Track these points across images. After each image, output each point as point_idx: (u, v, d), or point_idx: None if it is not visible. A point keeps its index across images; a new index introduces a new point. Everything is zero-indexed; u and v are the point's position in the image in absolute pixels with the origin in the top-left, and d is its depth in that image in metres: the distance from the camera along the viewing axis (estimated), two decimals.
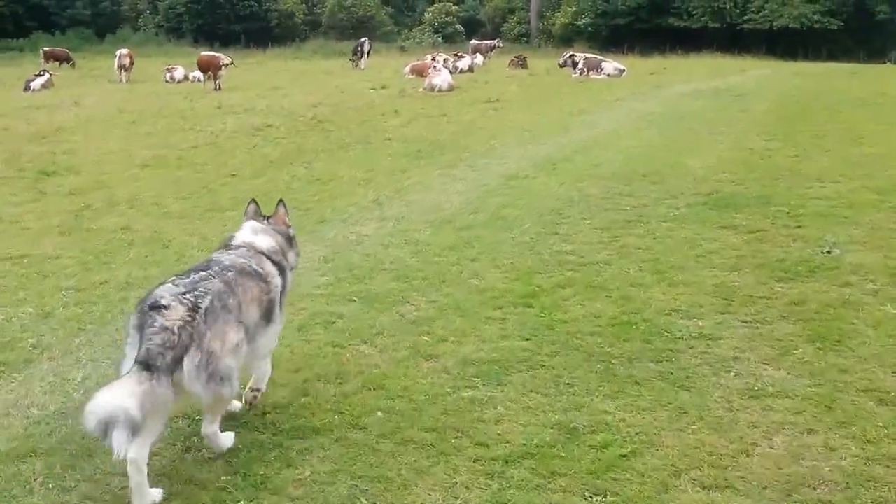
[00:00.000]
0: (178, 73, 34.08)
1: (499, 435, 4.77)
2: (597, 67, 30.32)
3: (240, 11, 56.10)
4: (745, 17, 47.56)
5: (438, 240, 8.93)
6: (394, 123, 18.61)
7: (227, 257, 4.46)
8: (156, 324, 3.82)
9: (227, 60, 30.38)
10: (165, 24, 59.49)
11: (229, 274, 4.26)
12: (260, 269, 4.50)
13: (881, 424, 4.75)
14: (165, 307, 3.89)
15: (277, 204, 5.12)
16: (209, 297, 3.99)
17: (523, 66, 35.79)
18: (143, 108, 21.80)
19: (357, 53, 37.71)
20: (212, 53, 30.95)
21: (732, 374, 5.54)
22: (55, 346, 6.27)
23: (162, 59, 40.51)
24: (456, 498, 4.22)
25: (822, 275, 7.27)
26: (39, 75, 31.45)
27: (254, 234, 4.75)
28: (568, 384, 5.47)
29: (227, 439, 4.45)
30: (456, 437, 4.76)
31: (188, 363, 3.81)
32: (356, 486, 4.32)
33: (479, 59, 38.82)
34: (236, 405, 4.79)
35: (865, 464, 4.39)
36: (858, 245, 8.09)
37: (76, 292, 7.44)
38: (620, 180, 11.55)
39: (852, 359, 5.66)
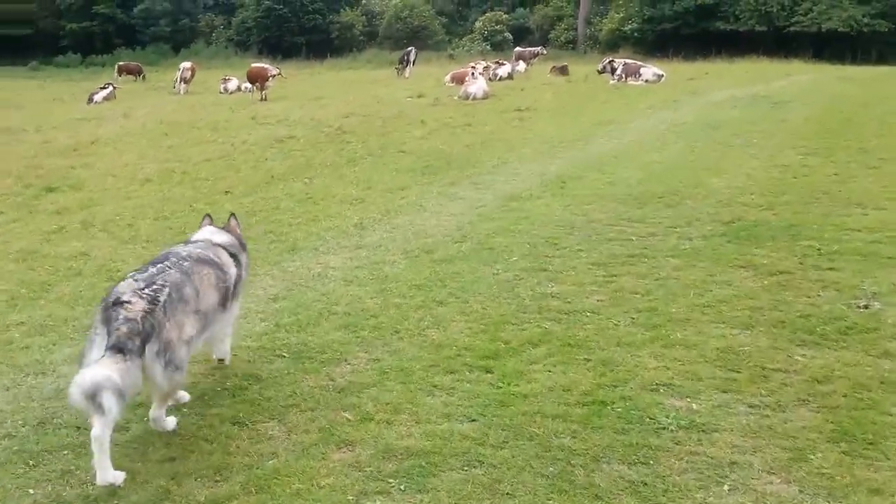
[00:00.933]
0: (232, 84, 33.16)
1: None
2: (635, 73, 28.33)
3: (304, 24, 55.20)
4: (793, 20, 44.77)
5: (410, 275, 7.35)
6: (415, 134, 17.09)
7: (184, 249, 4.60)
8: (120, 316, 3.92)
9: (274, 72, 29.33)
10: (235, 37, 58.87)
11: (186, 263, 4.39)
12: (217, 259, 4.67)
13: None
14: (127, 302, 3.98)
15: (229, 217, 5.37)
16: (167, 290, 4.11)
17: (564, 73, 33.87)
18: (183, 120, 21.09)
19: (403, 62, 36.24)
20: (260, 65, 29.80)
21: (726, 486, 3.99)
22: None
23: (228, 71, 39.65)
24: None
25: (855, 339, 5.49)
26: (103, 88, 31.30)
27: (211, 233, 4.99)
28: (508, 494, 3.95)
29: (171, 423, 4.49)
30: None
31: (149, 350, 3.94)
32: None
33: (521, 66, 37.00)
34: (184, 396, 4.78)
35: None
36: None
37: None
38: (632, 203, 9.82)
39: (888, 472, 3.90)
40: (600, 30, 51.44)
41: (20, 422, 4.81)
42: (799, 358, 5.22)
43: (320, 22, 55.20)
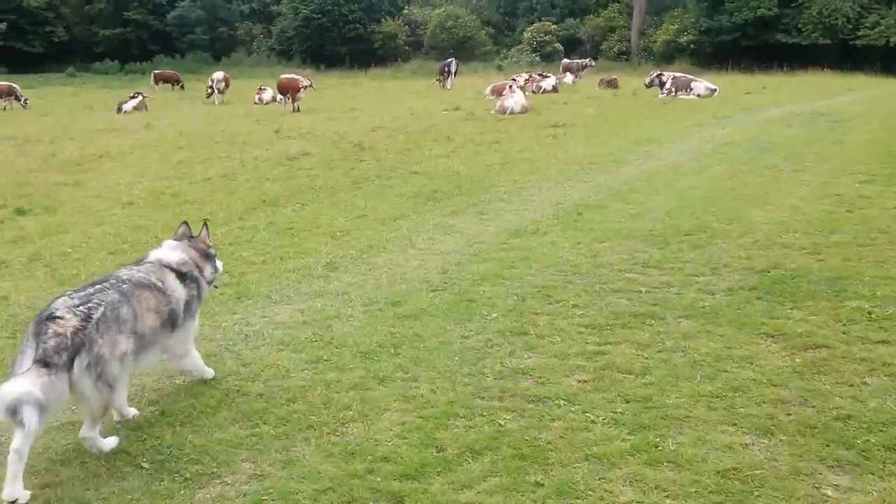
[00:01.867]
0: (267, 94, 32.42)
1: None
2: (686, 87, 26.70)
3: (346, 34, 54.51)
4: (859, 34, 42.43)
5: (361, 337, 6.05)
6: (436, 152, 15.86)
7: (127, 272, 4.61)
8: (49, 331, 3.96)
9: (305, 83, 28.38)
10: (277, 46, 58.45)
11: (125, 286, 4.41)
12: (159, 283, 4.66)
13: None
14: (59, 317, 4.03)
15: (202, 226, 5.32)
16: (102, 308, 4.14)
17: (613, 86, 32.34)
18: (205, 132, 20.43)
19: (444, 73, 35.08)
20: (291, 76, 28.86)
21: None
22: None
23: (271, 81, 38.98)
24: None
25: None
26: (133, 97, 30.69)
27: (165, 251, 4.95)
28: None
29: (109, 442, 4.36)
30: None
31: (77, 364, 3.96)
32: None
33: (568, 78, 35.58)
34: (132, 412, 4.74)
35: None
36: None
37: None
38: (653, 241, 8.41)
39: None
40: (654, 41, 49.61)
41: None
42: (829, 491, 3.74)
43: (362, 31, 54.38)
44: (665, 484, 3.88)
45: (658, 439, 4.28)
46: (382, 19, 55.40)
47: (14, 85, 34.65)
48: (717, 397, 4.75)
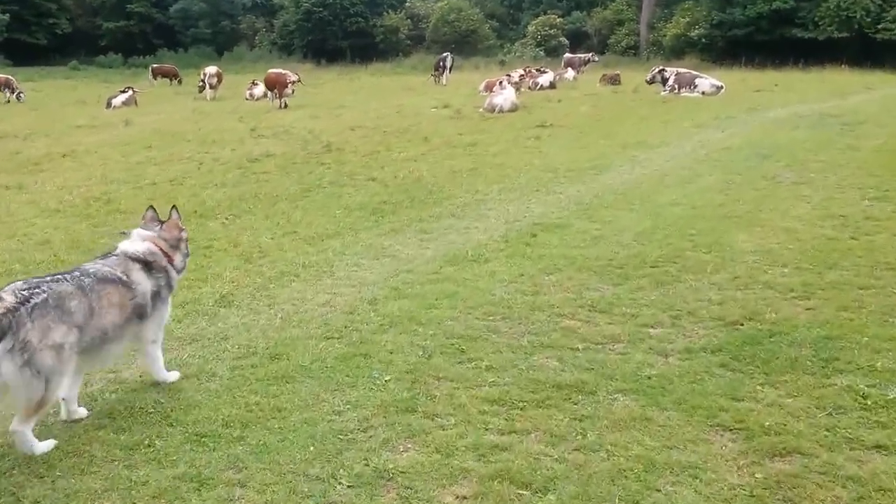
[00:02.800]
0: (258, 90, 31.16)
1: None
2: (690, 84, 25.12)
3: (347, 28, 52.96)
4: (879, 27, 40.38)
5: (208, 411, 4.75)
6: (406, 155, 14.57)
7: (92, 266, 4.54)
8: None
9: (293, 78, 26.93)
10: (279, 41, 57.04)
11: (87, 280, 4.33)
12: (124, 276, 4.56)
13: None
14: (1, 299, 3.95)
15: (171, 210, 5.14)
16: (44, 295, 4.04)
17: (615, 82, 30.75)
18: (180, 130, 19.48)
19: (439, 69, 33.56)
20: (278, 71, 27.53)
21: None
22: None
23: (259, 76, 37.59)
24: None
25: None
26: (123, 91, 29.58)
27: (133, 242, 4.82)
28: None
29: (42, 446, 4.19)
30: None
31: (1, 348, 3.82)
32: None
33: (570, 73, 34.03)
34: (82, 412, 4.59)
35: None
36: None
37: None
38: (611, 274, 7.01)
39: None
40: (664, 35, 47.79)
41: None
42: None
43: (364, 25, 52.83)
44: None
45: None
46: (384, 13, 53.83)
47: (10, 77, 33.54)
48: None
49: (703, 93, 24.62)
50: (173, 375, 5.09)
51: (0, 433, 4.37)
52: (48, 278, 4.26)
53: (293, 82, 27.36)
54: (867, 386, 4.56)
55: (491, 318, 6.08)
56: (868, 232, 8.19)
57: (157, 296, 4.78)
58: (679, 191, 10.70)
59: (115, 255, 4.72)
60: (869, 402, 4.37)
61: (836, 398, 4.46)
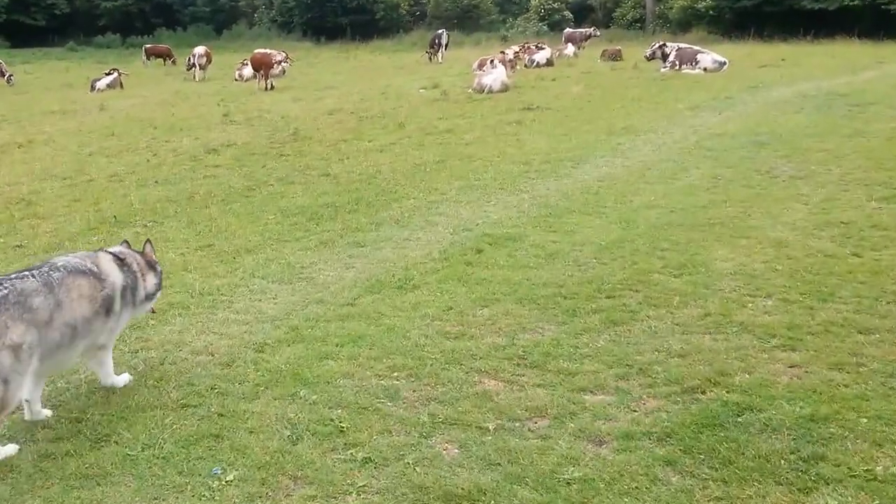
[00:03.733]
0: (247, 70, 29.76)
1: None
2: (691, 60, 23.57)
3: (347, 4, 51.23)
4: None
5: None
6: (374, 144, 13.40)
7: (63, 259, 4.38)
8: None
9: (279, 57, 25.50)
10: (278, 18, 55.41)
11: (56, 275, 4.17)
12: (94, 267, 4.40)
13: None
14: None
15: (145, 243, 5.01)
16: (5, 291, 3.90)
17: (615, 58, 29.17)
18: (152, 117, 18.49)
19: (434, 46, 32.03)
20: (264, 51, 26.16)
21: None
22: None
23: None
24: None
25: None
26: (108, 74, 28.37)
27: (118, 247, 4.76)
28: None
29: (5, 450, 4.01)
30: None
31: None
32: None
33: (569, 49, 32.41)
34: (44, 412, 4.40)
35: None
36: None
37: None
38: (556, 309, 5.76)
39: None
40: (671, 7, 45.88)
41: None
42: None
43: (364, 2, 51.05)
44: None
45: None
46: None
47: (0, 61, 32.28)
48: None
49: (704, 69, 23.08)
50: (122, 378, 4.77)
51: None
52: (13, 275, 4.08)
53: (279, 62, 25.98)
54: (857, 484, 3.20)
55: (395, 374, 4.78)
56: (874, 246, 6.80)
57: (125, 293, 4.52)
58: (660, 189, 9.32)
59: (91, 252, 4.57)
60: None
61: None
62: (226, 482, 3.77)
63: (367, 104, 19.24)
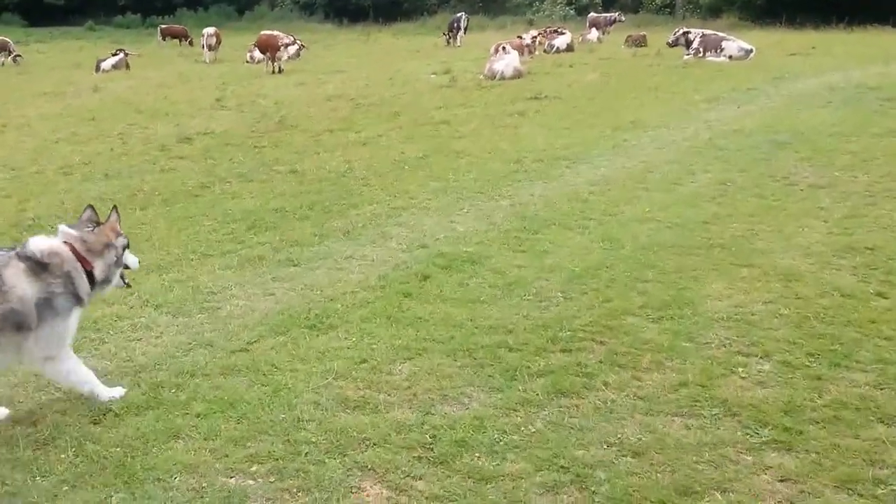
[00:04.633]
0: (258, 53, 28.37)
1: None
2: (716, 47, 21.94)
3: None
4: None
5: None
6: (360, 136, 12.34)
7: None
8: None
9: (287, 40, 24.24)
10: (301, 0, 53.97)
11: None
12: None
13: None
14: None
15: (111, 210, 4.29)
16: None
17: (640, 44, 27.54)
18: (143, 100, 17.47)
19: (452, 29, 30.56)
20: (271, 33, 24.78)
21: None
22: None
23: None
24: None
25: None
26: (114, 54, 27.18)
27: (40, 238, 3.99)
28: None
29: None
30: None
31: None
32: None
33: (593, 34, 30.80)
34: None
35: None
36: None
37: None
38: (495, 367, 4.54)
39: None
40: None
41: None
42: None
43: None
44: None
45: None
46: None
47: (7, 40, 31.41)
48: None
49: (730, 57, 21.46)
50: (113, 391, 4.17)
51: None
52: None
53: (286, 45, 24.74)
54: None
55: (252, 469, 3.61)
56: None
57: (47, 304, 3.83)
58: (658, 197, 7.95)
59: (7, 251, 3.88)
60: None
61: None
62: None
63: (370, 90, 18.03)
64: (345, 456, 3.58)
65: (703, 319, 4.93)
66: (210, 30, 29.78)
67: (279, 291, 5.68)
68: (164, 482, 3.42)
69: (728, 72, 18.55)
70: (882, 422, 3.68)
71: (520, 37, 25.29)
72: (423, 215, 7.63)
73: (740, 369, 4.25)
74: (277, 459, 3.57)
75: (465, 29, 30.95)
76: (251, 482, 3.42)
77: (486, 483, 3.34)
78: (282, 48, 24.57)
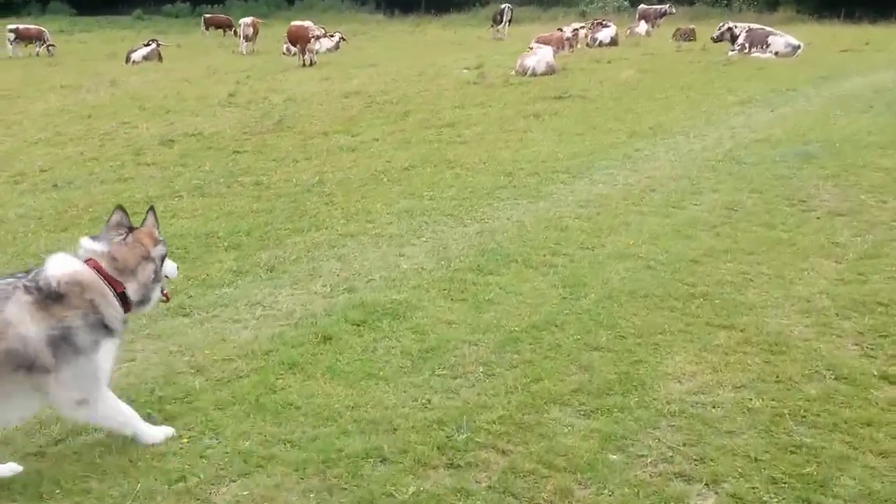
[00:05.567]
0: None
1: None
2: (762, 43, 20.33)
3: None
4: None
5: None
6: (349, 142, 11.43)
7: None
8: None
9: (317, 32, 23.34)
10: None
11: None
12: None
13: None
14: None
15: (147, 212, 3.58)
16: None
17: (688, 38, 25.95)
18: (155, 96, 16.58)
19: (497, 21, 29.31)
20: (300, 23, 23.80)
21: None
22: None
23: (336, 27, 33.81)
24: None
25: None
26: (146, 45, 26.55)
27: (58, 262, 3.29)
28: None
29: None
30: None
31: None
32: None
33: (641, 27, 29.25)
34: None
35: None
36: None
37: None
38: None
39: None
40: None
41: None
42: None
43: None
44: None
45: None
46: None
47: (43, 29, 31.12)
48: None
49: (776, 53, 19.85)
50: (160, 431, 3.59)
51: None
52: None
53: (317, 37, 23.82)
54: None
55: None
56: None
57: (64, 341, 3.14)
58: (652, 223, 6.75)
59: (11, 278, 3.23)
60: None
61: None
62: None
63: (393, 86, 17.10)
64: None
65: (648, 414, 3.74)
66: (247, 20, 28.99)
67: (139, 356, 4.61)
68: None
69: (770, 70, 17.00)
70: None
71: (560, 29, 23.96)
72: (372, 246, 6.52)
73: None
74: None
75: (510, 21, 29.60)
76: None
77: None
78: (312, 40, 23.59)
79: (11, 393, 3.20)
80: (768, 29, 21.20)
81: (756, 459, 3.37)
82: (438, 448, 3.52)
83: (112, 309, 3.33)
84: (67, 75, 20.98)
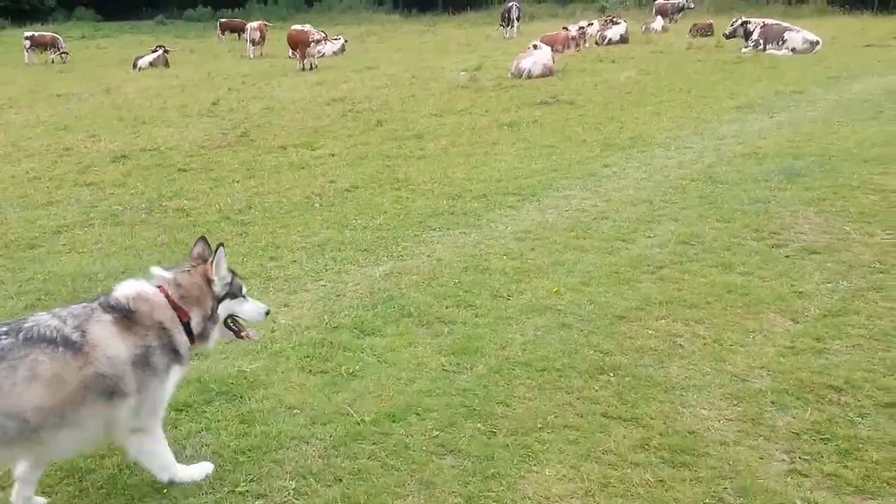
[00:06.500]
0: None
1: None
2: (778, 39, 19.01)
3: None
4: None
5: None
6: (307, 156, 10.60)
7: (37, 317, 2.94)
8: None
9: (317, 36, 22.57)
10: None
11: (5, 340, 2.79)
12: (76, 335, 2.89)
13: None
14: None
15: (217, 248, 3.32)
16: None
17: (706, 34, 24.67)
18: (139, 104, 16.01)
19: (504, 20, 28.23)
20: (300, 28, 23.03)
21: None
22: None
23: (351, 29, 32.88)
24: None
25: None
26: (154, 51, 26.00)
27: (127, 283, 3.19)
28: None
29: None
30: None
31: None
32: None
33: (658, 23, 27.94)
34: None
35: None
36: None
37: None
38: None
39: None
40: None
41: None
42: None
43: None
44: None
45: None
46: None
47: (57, 36, 30.69)
48: None
49: (792, 49, 18.51)
50: (197, 469, 3.32)
51: None
52: None
53: (316, 41, 23.03)
54: None
55: None
56: None
57: (144, 361, 2.99)
58: (588, 263, 5.72)
59: (97, 301, 3.06)
60: None
61: None
62: None
63: (380, 91, 16.33)
64: None
65: None
66: (253, 24, 28.37)
67: None
68: None
69: (781, 69, 15.74)
70: None
71: (565, 28, 22.79)
72: (260, 292, 5.55)
73: None
74: None
75: (518, 19, 28.47)
76: None
77: None
78: (312, 44, 22.81)
79: (85, 422, 2.92)
80: (785, 24, 19.84)
81: None
82: None
83: (180, 335, 3.17)
84: (69, 83, 20.38)
